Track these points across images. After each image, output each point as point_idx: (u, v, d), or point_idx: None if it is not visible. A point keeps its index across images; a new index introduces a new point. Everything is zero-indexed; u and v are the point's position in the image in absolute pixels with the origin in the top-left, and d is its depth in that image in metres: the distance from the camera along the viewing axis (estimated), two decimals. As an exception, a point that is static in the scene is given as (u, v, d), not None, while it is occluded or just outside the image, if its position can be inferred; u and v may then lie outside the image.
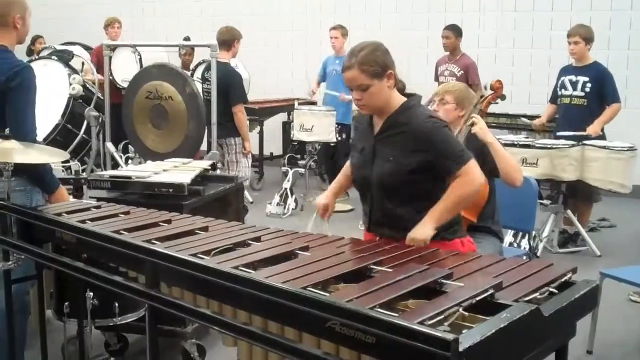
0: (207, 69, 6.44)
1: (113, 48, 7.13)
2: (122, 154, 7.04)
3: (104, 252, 2.56)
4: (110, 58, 6.69)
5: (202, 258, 2.22)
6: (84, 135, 6.56)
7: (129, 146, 7.24)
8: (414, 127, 2.76)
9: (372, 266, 2.15)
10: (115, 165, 6.45)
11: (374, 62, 2.73)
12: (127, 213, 2.97)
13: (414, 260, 2.24)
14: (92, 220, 2.81)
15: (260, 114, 8.59)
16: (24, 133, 3.11)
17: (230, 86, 6.16)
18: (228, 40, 6.30)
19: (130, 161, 7.08)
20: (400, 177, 2.77)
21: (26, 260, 2.99)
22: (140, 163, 6.04)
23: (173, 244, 2.43)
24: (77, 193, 3.78)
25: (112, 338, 3.66)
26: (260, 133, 8.88)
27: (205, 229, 2.69)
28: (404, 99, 2.88)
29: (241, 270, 2.07)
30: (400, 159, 2.77)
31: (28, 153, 2.99)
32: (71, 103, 6.49)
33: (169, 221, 2.83)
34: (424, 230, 2.70)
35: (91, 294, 3.06)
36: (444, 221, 2.76)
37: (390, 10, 9.30)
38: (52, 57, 6.91)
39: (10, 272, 3.03)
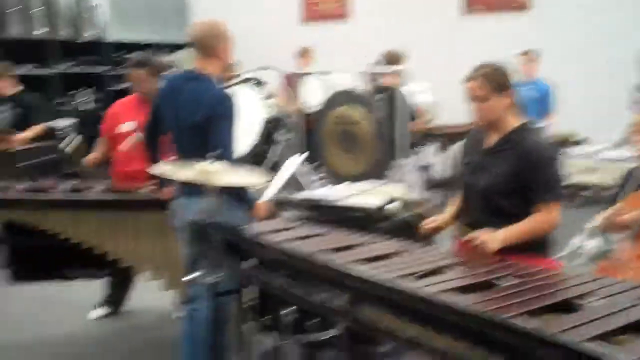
0: (377, 92, 6.50)
1: (304, 74, 7.40)
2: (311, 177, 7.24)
3: (304, 271, 2.67)
4: (300, 84, 6.96)
5: (402, 281, 2.26)
6: (275, 159, 6.84)
7: (318, 169, 7.43)
8: (524, 148, 2.90)
9: (577, 299, 2.09)
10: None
11: (497, 79, 2.93)
12: (324, 234, 3.07)
13: (625, 294, 2.15)
14: (293, 239, 2.94)
15: (447, 138, 8.56)
16: (227, 157, 3.31)
17: None
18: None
19: (319, 184, 7.27)
20: (500, 192, 2.91)
21: (230, 275, 3.17)
22: (330, 186, 6.21)
23: (372, 266, 2.49)
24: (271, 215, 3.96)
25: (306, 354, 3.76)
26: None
27: (401, 252, 2.73)
28: (524, 120, 3.03)
29: (444, 295, 2.09)
30: (504, 176, 2.90)
31: (234, 175, 3.17)
32: (264, 127, 6.79)
33: (364, 244, 2.89)
34: (494, 239, 2.79)
35: (290, 310, 3.17)
36: (509, 243, 2.81)
37: (589, 30, 8.95)
38: (246, 82, 7.26)
39: (217, 285, 3.21)
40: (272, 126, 6.89)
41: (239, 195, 3.42)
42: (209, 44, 3.48)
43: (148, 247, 3.99)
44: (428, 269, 2.42)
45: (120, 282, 4.78)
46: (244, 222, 3.43)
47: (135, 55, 4.72)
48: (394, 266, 2.49)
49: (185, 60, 11.02)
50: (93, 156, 4.76)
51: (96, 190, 4.09)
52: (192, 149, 3.41)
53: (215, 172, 3.11)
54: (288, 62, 8.84)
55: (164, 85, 3.66)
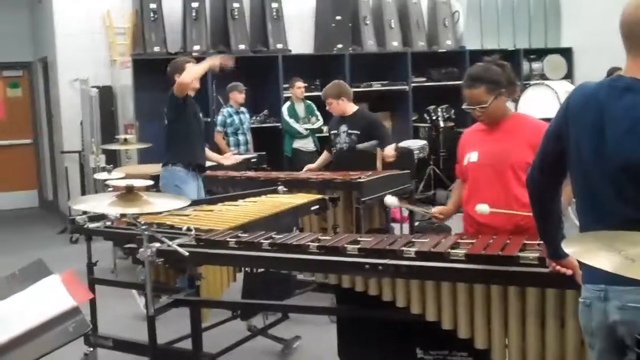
0: None
1: None
2: None
3: None
4: None
5: None
6: None
7: None
8: None
9: None
10: None
11: None
12: None
13: None
14: None
15: None
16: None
17: None
18: None
19: None
20: None
21: None
22: None
23: None
24: None
25: None
26: None
27: None
28: None
29: None
30: None
31: None
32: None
33: None
34: None
35: None
36: None
37: None
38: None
39: None
40: None
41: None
42: None
43: (527, 335, 2.67)
44: None
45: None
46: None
47: (469, 69, 3.36)
48: None
49: (555, 68, 9.53)
50: (445, 210, 3.54)
51: (457, 254, 2.84)
52: (618, 204, 2.08)
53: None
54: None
55: (575, 99, 2.25)
